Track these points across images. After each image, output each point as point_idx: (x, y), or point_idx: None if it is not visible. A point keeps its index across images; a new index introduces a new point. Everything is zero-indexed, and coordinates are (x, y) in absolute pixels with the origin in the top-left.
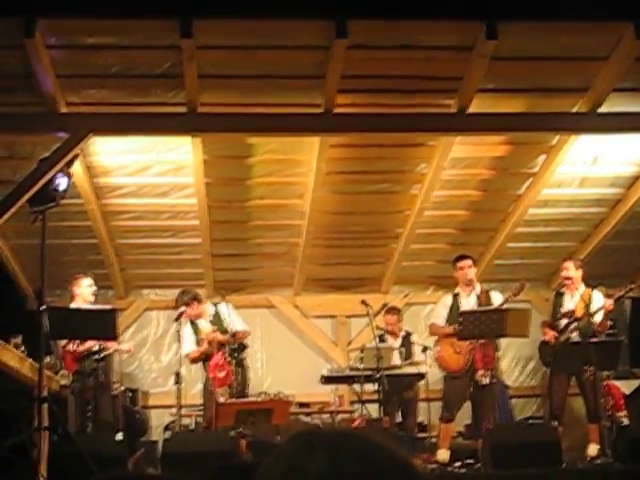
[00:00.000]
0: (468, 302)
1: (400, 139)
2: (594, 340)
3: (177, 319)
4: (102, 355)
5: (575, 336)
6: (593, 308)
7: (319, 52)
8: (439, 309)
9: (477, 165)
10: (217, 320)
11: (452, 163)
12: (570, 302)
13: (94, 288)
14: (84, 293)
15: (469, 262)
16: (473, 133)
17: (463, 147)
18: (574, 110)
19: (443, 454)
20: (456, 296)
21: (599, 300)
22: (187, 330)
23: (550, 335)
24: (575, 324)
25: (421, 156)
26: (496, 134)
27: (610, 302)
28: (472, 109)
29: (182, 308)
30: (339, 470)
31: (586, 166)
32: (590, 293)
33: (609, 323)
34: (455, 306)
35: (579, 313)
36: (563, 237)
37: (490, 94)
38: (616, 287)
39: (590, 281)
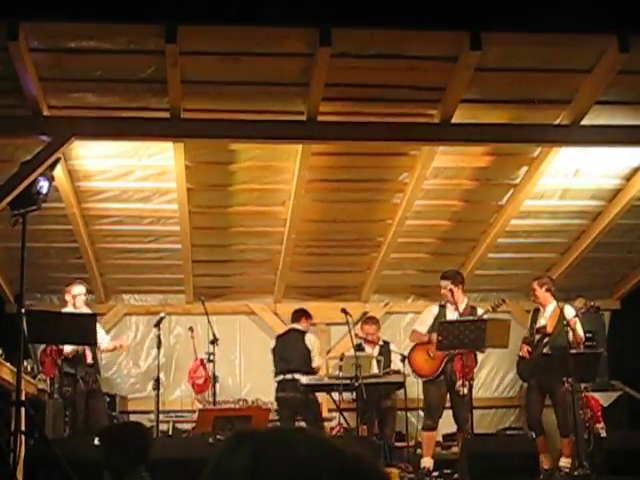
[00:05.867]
0: (453, 315)
1: (382, 148)
2: (573, 352)
3: (157, 325)
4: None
5: (547, 351)
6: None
7: (303, 60)
8: (425, 317)
9: (459, 175)
10: None
11: (434, 173)
12: (543, 318)
13: (85, 296)
14: (74, 300)
15: (445, 283)
16: (456, 143)
17: (445, 157)
18: (557, 122)
19: (427, 462)
20: (443, 307)
21: (570, 314)
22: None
23: (524, 350)
24: (546, 339)
25: (403, 165)
26: (478, 145)
27: (573, 317)
28: (455, 119)
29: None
30: (261, 463)
31: (568, 178)
32: (561, 308)
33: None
34: (441, 316)
35: (550, 329)
36: (544, 248)
37: (473, 105)
38: (595, 299)
39: (570, 293)
